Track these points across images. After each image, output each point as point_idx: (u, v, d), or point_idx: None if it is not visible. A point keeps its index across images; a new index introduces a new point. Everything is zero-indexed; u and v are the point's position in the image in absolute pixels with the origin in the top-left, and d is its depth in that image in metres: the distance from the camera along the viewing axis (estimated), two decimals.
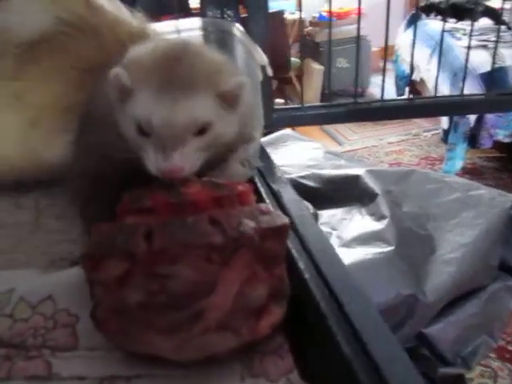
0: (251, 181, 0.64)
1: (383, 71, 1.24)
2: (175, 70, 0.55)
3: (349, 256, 1.46)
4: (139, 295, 0.40)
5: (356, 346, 0.37)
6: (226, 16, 0.83)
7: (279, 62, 3.93)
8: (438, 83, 1.45)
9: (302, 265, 0.45)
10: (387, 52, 1.33)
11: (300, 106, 1.06)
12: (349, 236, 1.58)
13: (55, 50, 0.65)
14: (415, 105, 1.09)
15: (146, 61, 0.57)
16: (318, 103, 1.15)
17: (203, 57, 0.60)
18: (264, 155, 0.77)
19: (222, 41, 0.81)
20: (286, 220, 0.47)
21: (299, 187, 1.78)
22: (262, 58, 0.65)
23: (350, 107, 1.06)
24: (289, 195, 0.63)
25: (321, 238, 0.56)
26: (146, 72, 0.55)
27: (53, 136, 0.66)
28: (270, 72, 0.65)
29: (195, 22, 0.85)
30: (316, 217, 1.57)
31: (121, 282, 0.40)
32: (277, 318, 0.44)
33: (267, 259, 0.44)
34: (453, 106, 1.25)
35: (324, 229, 1.66)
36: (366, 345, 0.38)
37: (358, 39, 1.54)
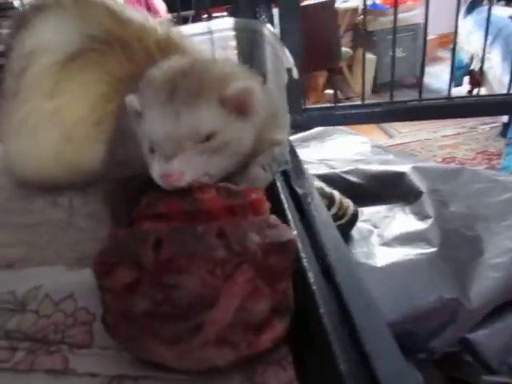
0: (273, 185, 0.63)
1: (421, 68, 1.16)
2: (179, 85, 0.57)
3: (389, 256, 1.42)
4: (146, 304, 0.41)
5: (357, 363, 0.36)
6: (258, 15, 0.84)
7: (329, 52, 3.86)
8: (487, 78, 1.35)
9: (311, 276, 0.45)
10: (426, 49, 1.24)
11: (333, 105, 1.03)
12: (390, 235, 1.54)
13: (86, 66, 0.68)
14: (455, 104, 1.02)
15: (156, 81, 0.58)
16: (351, 103, 1.12)
17: (209, 69, 0.61)
18: (293, 156, 0.76)
19: (254, 41, 0.81)
20: (291, 236, 0.47)
21: (342, 183, 1.76)
22: (289, 60, 0.65)
23: (384, 107, 1.02)
24: (311, 200, 0.63)
25: (338, 246, 0.55)
26: (154, 92, 0.57)
27: (85, 146, 0.71)
28: (295, 74, 0.64)
29: (227, 23, 0.86)
30: (356, 214, 1.54)
31: (130, 290, 0.42)
32: (279, 333, 0.44)
33: (270, 274, 0.44)
34: (498, 106, 1.16)
35: (365, 226, 1.63)
36: (370, 361, 0.37)
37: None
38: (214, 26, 0.85)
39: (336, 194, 1.47)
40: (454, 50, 1.34)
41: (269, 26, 0.75)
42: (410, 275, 1.34)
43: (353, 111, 1.03)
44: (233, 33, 0.84)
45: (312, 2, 3.70)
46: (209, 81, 0.58)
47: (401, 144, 3.65)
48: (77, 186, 0.72)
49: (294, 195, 0.66)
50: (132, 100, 0.58)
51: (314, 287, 0.43)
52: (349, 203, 1.51)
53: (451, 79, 1.06)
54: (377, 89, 4.44)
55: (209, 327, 0.40)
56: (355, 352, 0.38)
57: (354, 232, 1.57)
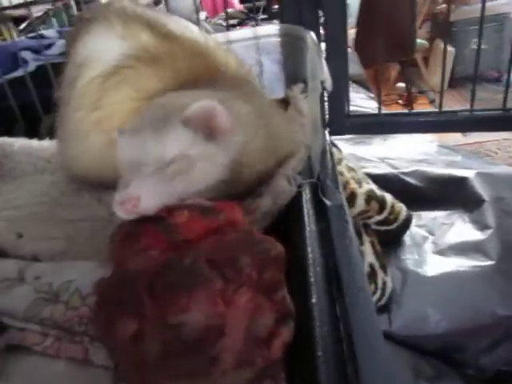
0: (298, 197, 0.64)
1: (510, 64, 1.03)
2: (146, 113, 0.58)
3: (441, 265, 1.37)
4: (155, 348, 0.41)
5: None
6: (303, 19, 0.83)
7: (403, 43, 3.69)
8: None
9: (314, 297, 0.46)
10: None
11: (377, 113, 0.99)
12: (445, 243, 1.47)
13: (119, 84, 0.71)
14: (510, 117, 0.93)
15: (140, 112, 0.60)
16: (397, 111, 1.06)
17: (177, 96, 0.61)
18: (327, 166, 0.76)
19: (297, 47, 0.81)
20: (280, 248, 0.47)
21: (400, 184, 1.70)
22: (324, 71, 0.64)
23: (432, 116, 0.96)
24: (340, 213, 0.62)
25: (353, 266, 0.55)
26: (130, 122, 0.59)
27: None
28: (329, 86, 0.64)
29: (273, 28, 0.87)
30: (409, 219, 1.48)
31: (135, 340, 0.42)
32: (286, 337, 0.44)
33: (268, 289, 0.45)
34: None
35: (420, 232, 1.57)
36: None
37: None
38: (260, 32, 0.86)
39: (388, 197, 1.43)
40: None
41: (312, 33, 0.74)
42: (462, 288, 1.28)
43: (398, 120, 0.99)
44: (278, 39, 0.85)
45: None
46: (173, 105, 0.58)
47: (476, 143, 3.43)
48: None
49: (321, 207, 0.66)
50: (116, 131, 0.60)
51: (315, 313, 0.44)
52: (402, 208, 1.46)
53: (507, 86, 0.97)
54: (454, 83, 4.18)
55: (224, 355, 0.41)
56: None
57: (407, 237, 1.53)
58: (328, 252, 0.58)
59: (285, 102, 0.84)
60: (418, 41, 3.92)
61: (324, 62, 0.65)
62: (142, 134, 0.54)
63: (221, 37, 0.83)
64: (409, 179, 1.75)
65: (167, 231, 0.48)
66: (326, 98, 0.91)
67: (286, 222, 0.61)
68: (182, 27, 0.71)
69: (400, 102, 4.27)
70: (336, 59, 0.91)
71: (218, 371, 0.41)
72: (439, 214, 1.65)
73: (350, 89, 2.64)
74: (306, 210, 0.60)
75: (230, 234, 0.49)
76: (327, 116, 1.00)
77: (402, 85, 4.16)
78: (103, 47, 0.72)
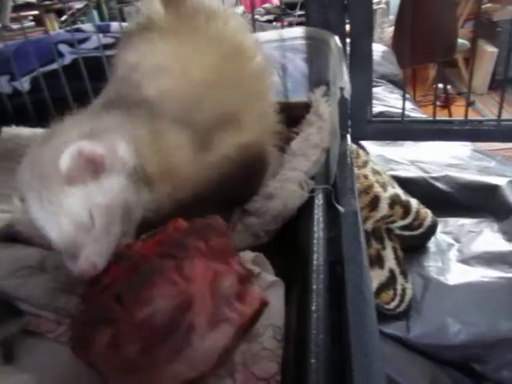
0: (312, 199, 0.64)
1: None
2: (33, 167, 0.55)
3: (465, 274, 1.34)
4: (135, 346, 0.43)
5: None
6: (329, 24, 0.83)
7: (443, 42, 3.58)
8: None
9: (314, 304, 0.46)
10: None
11: (399, 119, 0.97)
12: (471, 252, 1.43)
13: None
14: None
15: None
16: (422, 118, 1.03)
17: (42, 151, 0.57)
18: (345, 171, 0.75)
19: (321, 50, 0.81)
20: (221, 222, 0.51)
21: (428, 189, 1.66)
22: (344, 78, 0.64)
23: (457, 125, 0.94)
24: (352, 220, 0.62)
25: (361, 275, 0.54)
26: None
27: None
28: (347, 94, 0.63)
29: (298, 31, 0.87)
30: (435, 226, 1.45)
31: (114, 345, 0.43)
32: (258, 294, 0.47)
33: (220, 254, 0.48)
34: None
35: (446, 239, 1.54)
36: None
37: None
38: (285, 34, 0.86)
39: (413, 202, 1.40)
40: None
41: (336, 38, 0.74)
42: (485, 299, 1.25)
43: (422, 127, 0.96)
44: (303, 41, 0.85)
45: None
46: (47, 162, 0.54)
47: None
48: None
49: (334, 213, 0.66)
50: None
51: (313, 320, 0.44)
52: (427, 213, 1.43)
53: (502, 100, 0.91)
54: (495, 85, 4.03)
55: (197, 320, 0.43)
56: None
57: (431, 244, 1.49)
58: (336, 259, 0.58)
59: (307, 105, 0.84)
60: (460, 41, 3.80)
61: (345, 69, 0.64)
62: (46, 207, 0.52)
63: None
64: (438, 184, 1.71)
65: (128, 260, 0.50)
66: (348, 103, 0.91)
67: (296, 226, 0.62)
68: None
69: (437, 103, 4.16)
70: (360, 64, 0.90)
71: (197, 337, 0.43)
72: (467, 222, 1.61)
73: (385, 88, 2.61)
74: (316, 216, 0.60)
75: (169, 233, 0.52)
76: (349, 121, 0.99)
77: (440, 85, 4.05)
78: (146, 54, 0.73)
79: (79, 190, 0.52)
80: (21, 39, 1.52)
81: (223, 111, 0.66)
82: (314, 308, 0.46)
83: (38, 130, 1.07)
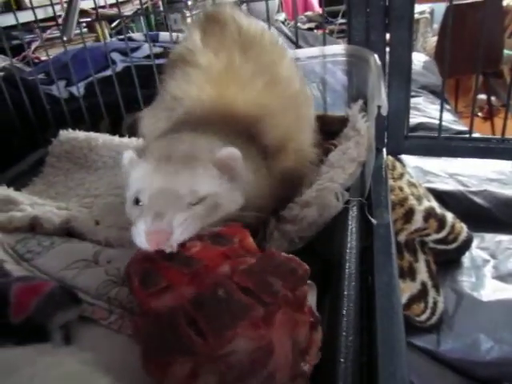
0: (346, 210, 0.68)
1: None
2: (175, 148, 0.61)
3: (499, 291, 1.32)
4: (212, 380, 0.43)
5: None
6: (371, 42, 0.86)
7: (489, 54, 3.50)
8: None
9: (345, 309, 0.49)
10: None
11: (436, 135, 0.98)
12: (507, 269, 1.41)
13: (186, 74, 0.78)
14: None
15: (154, 144, 0.65)
16: (458, 136, 1.04)
17: (197, 138, 0.64)
18: (379, 184, 0.78)
19: (361, 68, 0.84)
20: (305, 267, 0.50)
21: (466, 203, 1.65)
22: (382, 96, 0.66)
23: (494, 143, 0.94)
24: (380, 233, 0.65)
25: (391, 287, 0.57)
26: (152, 152, 0.62)
27: None
28: (384, 111, 0.66)
29: (339, 48, 0.90)
30: (470, 240, 1.44)
31: (192, 377, 0.44)
32: (319, 342, 0.48)
33: (300, 304, 0.48)
34: None
35: (481, 254, 1.52)
36: None
37: None
38: (327, 51, 0.90)
39: (449, 216, 1.40)
40: None
41: (376, 56, 0.77)
42: None
43: (458, 144, 0.97)
44: (343, 58, 0.89)
45: (476, 0, 3.39)
46: (200, 146, 0.62)
47: None
48: None
49: (368, 225, 0.69)
50: (128, 154, 0.64)
51: (343, 324, 0.47)
52: (462, 228, 1.42)
53: None
54: None
55: (279, 372, 0.44)
56: None
57: (466, 259, 1.48)
58: (368, 268, 0.61)
59: (344, 120, 0.87)
60: (506, 51, 3.71)
61: (383, 87, 0.67)
62: (174, 166, 0.57)
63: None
64: (476, 198, 1.69)
65: (185, 263, 0.50)
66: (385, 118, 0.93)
67: (331, 236, 0.66)
68: (231, 40, 0.77)
69: (480, 114, 4.06)
70: (398, 81, 0.92)
71: None
72: (505, 238, 1.58)
73: (426, 99, 2.58)
74: (349, 227, 0.64)
75: (247, 257, 0.51)
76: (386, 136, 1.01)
77: (483, 96, 3.95)
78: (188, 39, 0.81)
79: (214, 174, 0.59)
80: (75, 46, 1.63)
81: (270, 142, 0.73)
82: (344, 312, 0.49)
83: (93, 134, 1.16)
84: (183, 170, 0.57)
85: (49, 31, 2.00)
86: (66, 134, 1.16)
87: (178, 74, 0.78)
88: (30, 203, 0.88)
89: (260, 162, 0.70)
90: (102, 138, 1.13)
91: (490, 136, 1.01)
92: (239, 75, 0.74)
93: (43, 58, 1.94)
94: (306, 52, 0.90)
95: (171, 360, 0.44)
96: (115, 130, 1.29)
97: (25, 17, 1.67)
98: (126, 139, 1.15)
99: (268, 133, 0.73)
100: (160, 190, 0.55)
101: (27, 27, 1.78)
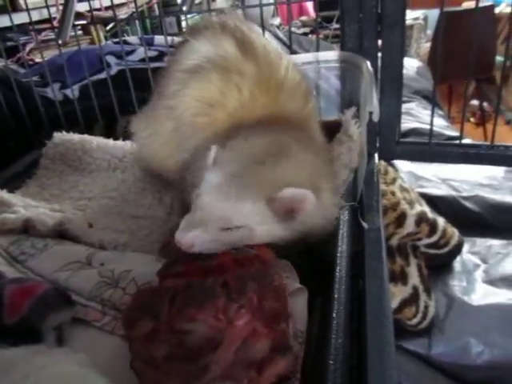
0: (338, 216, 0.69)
1: None
2: (241, 171, 0.61)
3: (490, 296, 1.33)
4: (164, 349, 0.48)
5: None
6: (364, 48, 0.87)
7: (482, 60, 3.55)
8: None
9: (335, 312, 0.50)
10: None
11: (427, 141, 1.00)
12: (498, 273, 1.43)
13: (194, 81, 0.78)
14: None
15: (229, 157, 0.64)
16: (448, 142, 1.05)
17: (276, 163, 0.62)
18: (371, 189, 0.79)
19: (353, 74, 0.85)
20: (283, 282, 0.52)
21: (457, 208, 1.66)
22: (374, 103, 0.68)
23: (483, 149, 0.95)
24: (371, 238, 0.66)
25: (382, 290, 0.58)
26: (223, 164, 0.62)
27: (175, 148, 0.83)
28: (376, 117, 0.67)
29: (333, 55, 0.91)
30: (461, 245, 1.46)
31: (150, 338, 0.49)
32: (282, 369, 0.48)
33: (268, 317, 0.49)
34: None
35: (472, 259, 1.53)
36: None
37: None
38: (320, 57, 0.91)
39: (440, 221, 1.41)
40: None
41: (368, 63, 0.78)
42: (510, 322, 1.25)
43: (449, 150, 0.98)
44: (336, 64, 0.90)
45: (469, 7, 3.44)
46: (266, 177, 0.61)
47: None
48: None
49: (359, 229, 0.70)
50: (213, 153, 0.65)
51: (333, 326, 0.48)
52: (454, 233, 1.44)
53: None
54: None
55: (215, 366, 0.47)
56: None
57: (457, 263, 1.50)
58: (359, 272, 0.62)
59: (337, 125, 0.88)
60: (498, 58, 3.75)
61: (375, 93, 0.68)
62: (229, 188, 0.59)
63: None
64: (468, 204, 1.70)
65: (205, 260, 0.57)
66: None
67: (322, 240, 0.66)
68: (266, 51, 0.78)
69: (472, 120, 4.11)
70: (390, 87, 0.94)
71: (207, 379, 0.46)
72: (495, 243, 1.60)
73: (419, 104, 2.61)
74: (341, 231, 0.65)
75: (254, 267, 0.55)
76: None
77: (475, 102, 4.00)
78: (194, 49, 0.81)
79: (261, 212, 0.59)
80: (70, 48, 1.64)
81: None
82: (334, 315, 0.50)
83: (87, 136, 1.16)
84: (232, 196, 0.59)
85: (44, 33, 2.00)
86: (61, 136, 1.16)
87: (215, 79, 0.77)
88: (23, 205, 0.89)
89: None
90: (96, 141, 1.13)
91: (480, 142, 1.02)
92: (286, 84, 0.76)
93: (38, 59, 1.94)
94: (300, 58, 0.92)
95: (141, 316, 0.51)
96: (109, 132, 1.29)
97: (20, 18, 1.67)
98: (120, 142, 1.15)
99: (317, 138, 0.75)
100: (204, 206, 0.59)
101: (22, 29, 1.77)
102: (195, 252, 0.57)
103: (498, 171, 1.94)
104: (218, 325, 0.48)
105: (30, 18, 1.38)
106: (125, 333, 0.53)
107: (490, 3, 3.52)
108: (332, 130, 0.84)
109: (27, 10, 1.38)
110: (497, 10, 3.62)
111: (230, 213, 0.58)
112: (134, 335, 0.50)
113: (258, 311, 0.50)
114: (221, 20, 0.85)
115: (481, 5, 3.31)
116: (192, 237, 0.57)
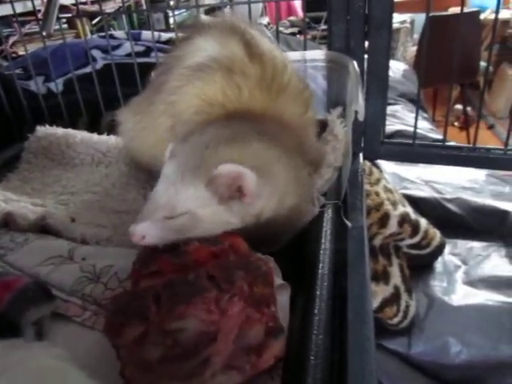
0: (322, 213, 0.69)
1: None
2: (187, 160, 0.61)
3: (469, 297, 1.36)
4: (157, 351, 0.46)
5: None
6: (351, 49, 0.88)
7: (466, 65, 3.60)
8: None
9: (316, 308, 0.51)
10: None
11: (411, 142, 1.01)
12: (478, 275, 1.46)
13: (197, 79, 0.77)
14: None
15: (180, 147, 0.64)
16: (432, 143, 1.07)
17: (220, 149, 0.61)
18: (355, 188, 0.80)
19: (340, 74, 0.86)
20: (270, 264, 0.53)
21: (440, 210, 1.70)
22: (360, 102, 0.68)
23: (465, 151, 0.97)
24: (354, 236, 0.67)
25: (364, 288, 0.59)
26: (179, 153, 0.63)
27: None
28: (361, 117, 0.68)
29: (320, 54, 0.92)
30: (442, 246, 1.48)
31: (140, 342, 0.47)
32: (277, 351, 0.49)
33: (258, 302, 0.50)
34: None
35: (453, 260, 1.56)
36: None
37: None
38: (307, 56, 0.92)
39: (423, 222, 1.44)
40: None
41: (354, 62, 0.79)
42: (488, 322, 1.27)
43: (432, 151, 1.00)
44: (323, 63, 0.91)
45: (455, 13, 3.49)
46: (210, 158, 0.60)
47: None
48: None
49: (342, 228, 0.71)
50: (170, 147, 0.66)
51: (314, 323, 0.49)
52: (436, 234, 1.46)
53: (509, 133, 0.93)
54: None
55: (215, 358, 0.46)
56: None
57: (438, 264, 1.52)
58: (341, 269, 0.63)
59: (323, 124, 0.89)
60: (482, 64, 3.82)
61: (361, 93, 0.69)
62: (176, 177, 0.59)
63: None
64: (450, 206, 1.74)
65: (179, 256, 0.55)
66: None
67: (305, 237, 0.67)
68: (273, 56, 0.78)
69: (456, 124, 4.18)
70: (376, 88, 0.95)
71: (209, 373, 0.46)
72: (476, 245, 1.63)
73: (404, 107, 2.64)
74: (324, 229, 0.65)
75: (231, 257, 0.55)
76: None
77: (459, 106, 4.07)
78: (201, 47, 0.80)
79: (201, 195, 0.58)
80: (55, 42, 1.61)
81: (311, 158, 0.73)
82: (316, 311, 0.50)
83: (71, 131, 1.14)
84: (177, 183, 0.59)
85: (28, 26, 1.97)
86: (44, 129, 1.14)
87: (220, 79, 0.76)
88: (3, 199, 0.87)
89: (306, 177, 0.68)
90: (80, 135, 1.12)
91: (463, 144, 1.04)
92: (288, 89, 0.76)
93: (21, 52, 1.91)
94: (288, 56, 0.92)
95: (127, 321, 0.48)
96: (94, 127, 1.27)
97: (3, 10, 1.64)
98: (104, 137, 1.14)
99: (311, 147, 0.74)
100: (153, 198, 0.60)
101: (5, 21, 1.74)
102: (147, 244, 0.57)
103: (480, 175, 1.98)
104: (210, 318, 0.47)
105: (14, 10, 1.35)
106: (110, 342, 0.50)
107: (476, 9, 3.57)
108: (319, 128, 0.85)
109: (11, 1, 1.35)
110: (482, 16, 3.68)
111: (173, 200, 0.58)
112: (122, 342, 0.48)
113: (250, 298, 0.50)
114: (230, 20, 0.84)
115: (467, 10, 3.38)
116: (140, 229, 0.57)
